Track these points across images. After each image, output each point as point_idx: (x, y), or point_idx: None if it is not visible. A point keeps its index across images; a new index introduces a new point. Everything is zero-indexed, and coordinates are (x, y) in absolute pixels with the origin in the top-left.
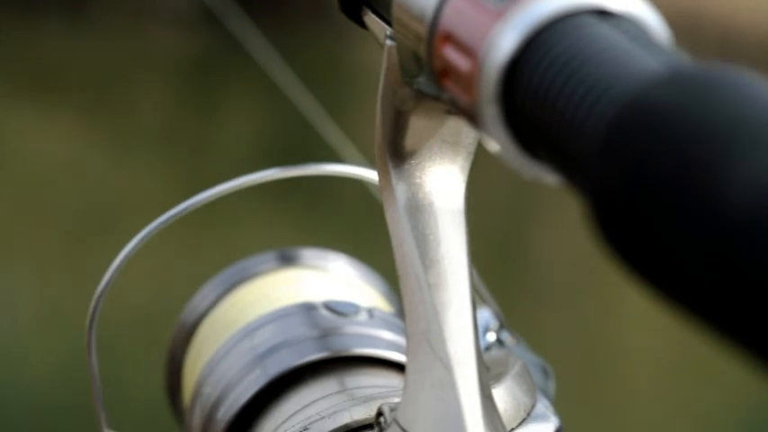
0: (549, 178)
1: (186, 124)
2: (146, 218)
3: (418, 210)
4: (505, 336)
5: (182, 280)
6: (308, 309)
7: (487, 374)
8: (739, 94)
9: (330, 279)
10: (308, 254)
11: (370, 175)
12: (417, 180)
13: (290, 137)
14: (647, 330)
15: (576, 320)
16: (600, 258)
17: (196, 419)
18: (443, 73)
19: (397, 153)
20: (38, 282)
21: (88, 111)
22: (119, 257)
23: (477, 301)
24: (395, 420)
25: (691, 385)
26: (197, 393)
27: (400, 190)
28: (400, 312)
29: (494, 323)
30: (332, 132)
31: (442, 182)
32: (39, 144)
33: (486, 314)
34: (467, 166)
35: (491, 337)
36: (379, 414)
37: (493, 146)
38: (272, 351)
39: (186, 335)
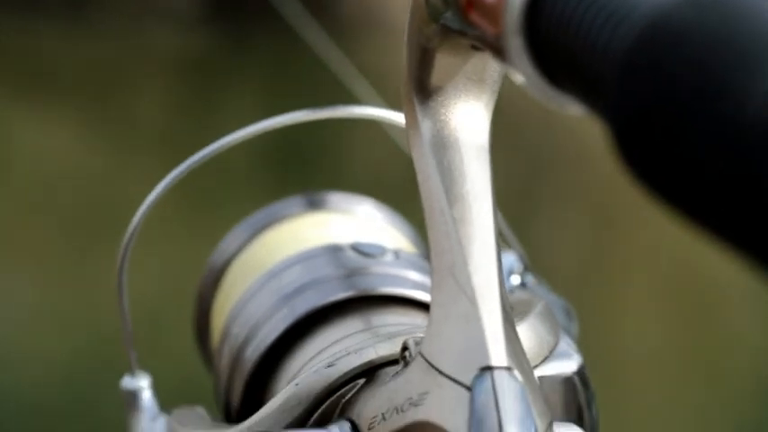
0: (572, 108)
1: (186, 124)
2: (146, 218)
3: (443, 146)
4: (529, 279)
5: (186, 279)
6: (334, 250)
7: (511, 311)
8: (757, 12)
9: (357, 222)
10: (336, 198)
11: (396, 117)
12: (443, 117)
13: (290, 134)
14: (647, 330)
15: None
16: (599, 262)
17: (224, 359)
18: (469, 6)
19: (422, 91)
20: (38, 283)
21: (88, 111)
22: (155, 191)
23: (501, 244)
24: (420, 353)
25: (691, 382)
26: (226, 334)
27: (426, 127)
28: (426, 255)
29: (518, 266)
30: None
31: (466, 118)
32: (38, 144)
33: (510, 258)
34: (491, 103)
35: (515, 280)
36: (405, 348)
37: (518, 78)
38: (298, 291)
39: (214, 278)
